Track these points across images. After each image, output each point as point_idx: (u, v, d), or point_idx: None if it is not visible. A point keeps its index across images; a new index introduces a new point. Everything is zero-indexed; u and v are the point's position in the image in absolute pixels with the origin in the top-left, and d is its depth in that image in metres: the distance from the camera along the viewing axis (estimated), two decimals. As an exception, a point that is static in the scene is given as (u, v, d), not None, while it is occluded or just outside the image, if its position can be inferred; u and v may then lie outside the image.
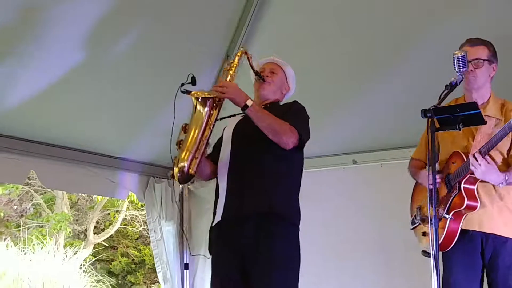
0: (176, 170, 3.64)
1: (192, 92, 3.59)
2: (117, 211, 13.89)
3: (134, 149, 6.17)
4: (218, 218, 3.74)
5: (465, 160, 3.58)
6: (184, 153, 3.61)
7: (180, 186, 6.79)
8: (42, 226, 12.91)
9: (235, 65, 3.79)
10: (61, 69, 4.88)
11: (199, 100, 3.60)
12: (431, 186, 3.21)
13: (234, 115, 3.97)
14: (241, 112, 3.68)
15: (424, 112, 3.22)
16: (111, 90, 5.42)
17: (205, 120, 3.59)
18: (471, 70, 3.60)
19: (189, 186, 6.84)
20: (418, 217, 3.90)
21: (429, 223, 3.15)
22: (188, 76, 3.65)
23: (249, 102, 3.56)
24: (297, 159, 3.82)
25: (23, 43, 4.55)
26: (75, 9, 4.61)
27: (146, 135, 6.07)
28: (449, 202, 3.61)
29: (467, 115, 3.24)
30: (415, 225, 3.95)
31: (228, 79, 3.75)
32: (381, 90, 5.46)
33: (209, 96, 3.59)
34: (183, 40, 5.45)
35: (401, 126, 5.39)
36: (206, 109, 3.59)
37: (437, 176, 3.61)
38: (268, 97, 3.95)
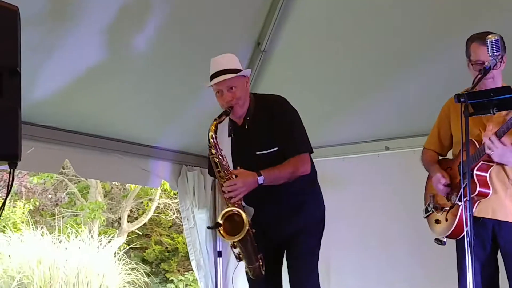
0: (252, 276, 3.99)
1: (223, 233, 3.77)
2: (150, 199, 13.98)
3: (166, 137, 6.21)
4: None
5: (478, 147, 3.55)
6: (249, 264, 3.94)
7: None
8: (76, 215, 13.07)
9: (214, 147, 3.82)
10: (93, 58, 4.92)
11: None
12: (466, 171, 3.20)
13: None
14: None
15: (458, 97, 3.20)
16: (143, 79, 5.46)
17: (250, 238, 3.81)
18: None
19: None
20: (431, 205, 3.90)
21: (464, 209, 3.15)
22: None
23: (260, 180, 3.73)
24: None
25: (55, 33, 4.59)
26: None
27: (178, 124, 6.11)
28: (461, 190, 3.57)
29: (501, 99, 3.20)
30: (428, 213, 3.95)
31: (220, 168, 3.80)
32: (414, 76, 5.44)
33: (244, 231, 3.71)
34: (215, 28, 5.47)
35: (433, 112, 5.33)
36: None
37: (444, 180, 3.62)
38: (243, 111, 3.96)
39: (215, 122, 3.83)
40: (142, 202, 14.25)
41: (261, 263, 3.89)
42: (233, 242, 3.84)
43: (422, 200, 5.36)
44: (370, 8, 5.37)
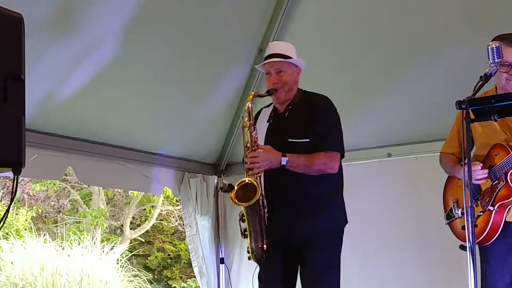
0: (252, 256, 3.98)
1: (234, 197, 3.79)
2: (152, 206, 13.98)
3: (168, 144, 6.21)
4: None
5: (511, 151, 3.53)
6: (253, 242, 3.93)
7: (215, 180, 6.85)
8: (79, 222, 13.09)
9: (249, 114, 3.91)
10: (97, 65, 4.94)
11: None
12: (467, 179, 3.18)
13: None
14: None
15: (459, 104, 3.20)
16: (146, 86, 5.48)
17: (260, 208, 3.86)
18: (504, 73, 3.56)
19: (224, 181, 6.87)
20: (456, 211, 3.84)
21: (465, 215, 3.13)
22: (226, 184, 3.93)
23: (283, 161, 3.76)
24: None
25: (59, 40, 4.61)
26: (106, 5, 4.69)
27: (180, 131, 6.13)
28: (495, 194, 3.55)
29: (502, 106, 3.20)
30: (452, 219, 3.89)
31: (249, 137, 3.87)
32: (417, 82, 5.44)
33: (254, 199, 3.76)
34: (217, 34, 5.50)
35: (436, 118, 5.35)
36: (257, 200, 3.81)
37: (483, 171, 3.60)
38: (286, 99, 4.03)
39: (253, 93, 4.00)
40: (144, 209, 14.26)
41: (265, 248, 3.89)
42: (241, 214, 3.88)
43: (426, 207, 5.39)
44: (371, 14, 5.39)
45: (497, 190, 3.55)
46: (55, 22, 4.48)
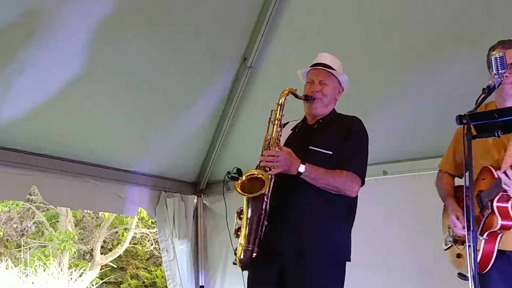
0: (238, 256, 3.87)
1: (238, 186, 3.76)
2: (125, 229, 13.94)
3: (143, 161, 6.21)
4: None
5: (496, 176, 3.51)
6: (244, 241, 3.83)
7: (194, 201, 6.84)
8: (44, 246, 13.01)
9: (280, 109, 3.90)
10: (64, 76, 4.94)
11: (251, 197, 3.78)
12: (467, 202, 3.20)
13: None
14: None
15: (460, 118, 3.19)
16: (119, 99, 5.49)
17: (261, 210, 3.79)
18: (508, 75, 3.53)
19: (204, 201, 6.87)
20: (450, 238, 3.87)
21: (466, 242, 3.13)
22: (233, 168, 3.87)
23: (301, 169, 3.72)
24: None
25: (23, 49, 4.61)
26: (79, 10, 4.69)
27: (156, 146, 6.12)
28: (482, 223, 3.54)
29: (506, 121, 3.19)
30: (448, 246, 3.92)
31: (273, 133, 3.86)
32: (414, 93, 5.46)
33: (259, 192, 3.72)
34: (197, 44, 5.51)
35: (436, 133, 5.37)
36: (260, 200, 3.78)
37: (460, 225, 3.64)
38: (321, 113, 4.03)
39: (288, 89, 3.94)
40: (116, 232, 14.21)
41: (254, 256, 3.80)
42: (240, 210, 3.85)
43: (425, 230, 5.40)
44: (361, 24, 5.42)
45: (483, 219, 3.54)
46: (23, 27, 4.48)
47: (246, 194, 3.74)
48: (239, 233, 3.86)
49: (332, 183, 3.78)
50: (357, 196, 3.95)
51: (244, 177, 3.76)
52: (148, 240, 14.17)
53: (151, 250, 14.29)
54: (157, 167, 6.43)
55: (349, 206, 3.96)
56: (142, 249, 14.44)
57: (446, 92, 5.24)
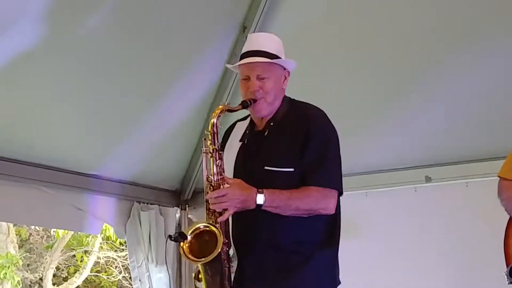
0: None
1: (186, 252, 3.82)
2: (86, 251, 13.96)
3: (110, 163, 6.21)
4: None
5: None
6: None
7: (177, 214, 6.86)
8: (-22, 274, 13.05)
9: (213, 137, 3.93)
10: (8, 48, 4.93)
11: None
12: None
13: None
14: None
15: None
16: (79, 83, 5.49)
17: (221, 270, 3.88)
18: None
19: (189, 215, 6.89)
20: None
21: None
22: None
23: (259, 200, 3.76)
24: None
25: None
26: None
27: (127, 145, 6.13)
28: None
29: None
30: None
31: (213, 167, 3.89)
32: (466, 77, 5.51)
33: (215, 253, 3.77)
34: (182, 11, 5.55)
35: (495, 128, 5.42)
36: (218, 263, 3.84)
37: None
38: (269, 112, 4.03)
39: (221, 107, 3.97)
40: (74, 256, 14.23)
41: None
42: (197, 271, 3.91)
43: (479, 251, 5.42)
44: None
45: None
46: None
47: (198, 259, 3.80)
48: None
49: (302, 207, 3.82)
50: (337, 211, 3.98)
51: (189, 237, 3.80)
52: (116, 267, 14.20)
53: (119, 279, 14.32)
54: (128, 170, 6.44)
55: (332, 222, 3.98)
56: (108, 278, 14.47)
57: (504, 80, 5.31)
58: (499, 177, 4.14)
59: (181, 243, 3.79)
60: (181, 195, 6.90)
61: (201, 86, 6.18)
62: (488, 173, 5.40)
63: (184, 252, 3.78)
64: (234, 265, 3.93)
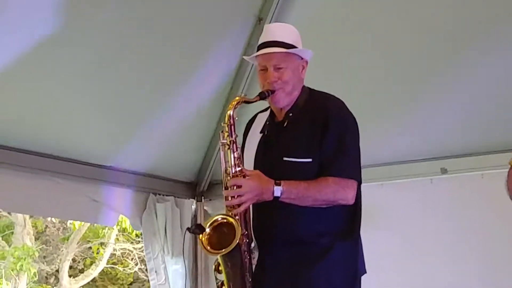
0: None
1: (205, 243, 3.86)
2: (102, 243, 13.98)
3: (126, 154, 6.23)
4: None
5: None
6: None
7: (193, 206, 6.87)
8: (-5, 266, 13.10)
9: (230, 129, 3.95)
10: (23, 40, 4.96)
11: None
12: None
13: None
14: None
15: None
16: (94, 73, 5.51)
17: (241, 262, 3.90)
18: None
19: (205, 207, 6.90)
20: None
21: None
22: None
23: (277, 192, 3.79)
24: None
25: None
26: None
27: (143, 136, 6.16)
28: None
29: None
30: None
31: (230, 160, 3.91)
32: (483, 70, 5.52)
33: (232, 244, 3.78)
34: (198, 3, 5.56)
35: (509, 123, 5.42)
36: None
37: None
38: (288, 103, 4.05)
39: (237, 99, 4.02)
40: (90, 248, 14.26)
41: None
42: (217, 263, 3.92)
43: (494, 242, 5.42)
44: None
45: None
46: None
47: (217, 251, 3.82)
48: (223, 286, 3.97)
49: (319, 198, 3.84)
50: (358, 201, 4.00)
51: (208, 229, 3.83)
52: (132, 259, 14.22)
53: (135, 271, 14.33)
54: (144, 162, 6.46)
55: (352, 212, 4.00)
56: (124, 270, 14.49)
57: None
58: (510, 164, 4.15)
59: (200, 236, 3.82)
60: (197, 186, 6.91)
61: (217, 77, 6.19)
62: (503, 165, 5.38)
63: (203, 244, 3.81)
64: (256, 256, 3.95)
